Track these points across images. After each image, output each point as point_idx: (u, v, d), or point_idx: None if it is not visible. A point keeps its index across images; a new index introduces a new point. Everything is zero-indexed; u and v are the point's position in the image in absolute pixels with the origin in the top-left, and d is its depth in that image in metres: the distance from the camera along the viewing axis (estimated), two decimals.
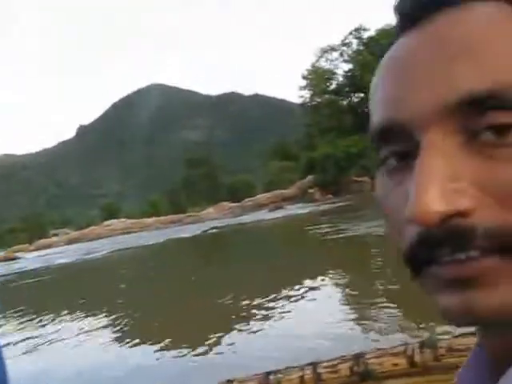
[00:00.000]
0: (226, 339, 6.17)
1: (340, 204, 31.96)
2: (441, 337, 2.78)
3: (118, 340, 7.26)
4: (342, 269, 10.12)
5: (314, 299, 7.64)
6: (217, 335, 6.37)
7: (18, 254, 38.13)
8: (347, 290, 8.30)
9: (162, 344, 6.50)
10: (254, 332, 6.35)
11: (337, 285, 8.74)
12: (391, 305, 6.43)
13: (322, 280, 9.07)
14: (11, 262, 32.56)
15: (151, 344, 6.64)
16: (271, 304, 7.65)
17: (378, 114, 0.37)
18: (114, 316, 8.93)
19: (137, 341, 6.96)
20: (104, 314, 9.18)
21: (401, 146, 0.35)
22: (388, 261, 9.14)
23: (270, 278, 10.45)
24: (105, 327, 8.15)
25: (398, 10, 0.36)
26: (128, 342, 6.93)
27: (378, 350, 3.99)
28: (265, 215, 36.00)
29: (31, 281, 17.89)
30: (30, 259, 31.47)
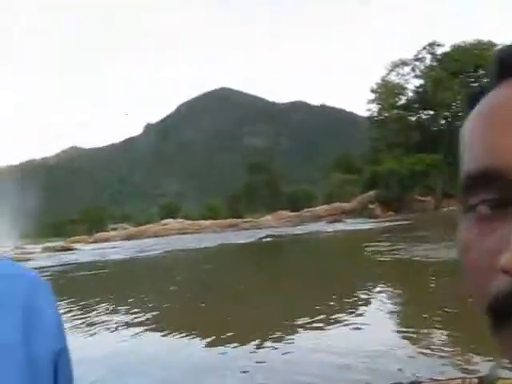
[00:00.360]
0: (259, 354, 5.88)
1: (401, 222, 31.21)
2: (503, 375, 2.44)
3: (157, 337, 7.11)
4: (398, 291, 9.82)
5: (366, 319, 7.26)
6: (250, 347, 6.11)
7: (74, 245, 38.96)
8: (401, 312, 7.93)
9: (194, 347, 6.40)
10: (289, 347, 6.02)
11: (391, 306, 8.34)
12: (447, 333, 6.05)
13: (375, 300, 8.68)
14: (68, 252, 33.26)
15: (191, 345, 6.44)
16: (316, 318, 7.31)
17: (475, 161, 0.35)
18: (156, 315, 8.82)
19: (177, 341, 6.81)
20: (148, 313, 9.05)
21: (499, 193, 0.33)
22: (445, 288, 8.88)
23: (320, 292, 10.12)
24: (143, 324, 8.00)
25: (500, 60, 0.36)
26: (169, 342, 6.76)
27: (434, 380, 3.61)
28: (323, 227, 35.59)
29: (83, 273, 18.08)
30: (86, 251, 32.03)
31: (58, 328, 0.82)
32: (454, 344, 5.56)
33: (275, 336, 6.66)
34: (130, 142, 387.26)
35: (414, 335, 6.17)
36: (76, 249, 35.74)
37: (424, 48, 58.40)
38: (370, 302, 8.55)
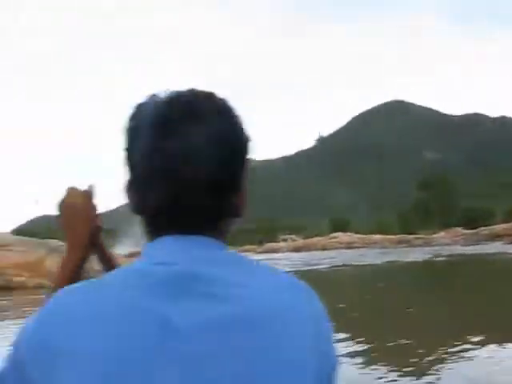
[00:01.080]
0: None
1: None
2: None
3: None
4: None
5: None
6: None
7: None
8: None
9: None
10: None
11: None
12: None
13: None
14: None
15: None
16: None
17: None
18: None
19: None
20: None
21: None
22: None
23: (491, 320, 9.14)
24: None
25: None
26: None
27: None
28: (502, 248, 33.01)
29: None
30: None
31: (333, 341, 0.76)
32: None
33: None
34: (302, 154, 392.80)
35: None
36: None
37: None
38: None
